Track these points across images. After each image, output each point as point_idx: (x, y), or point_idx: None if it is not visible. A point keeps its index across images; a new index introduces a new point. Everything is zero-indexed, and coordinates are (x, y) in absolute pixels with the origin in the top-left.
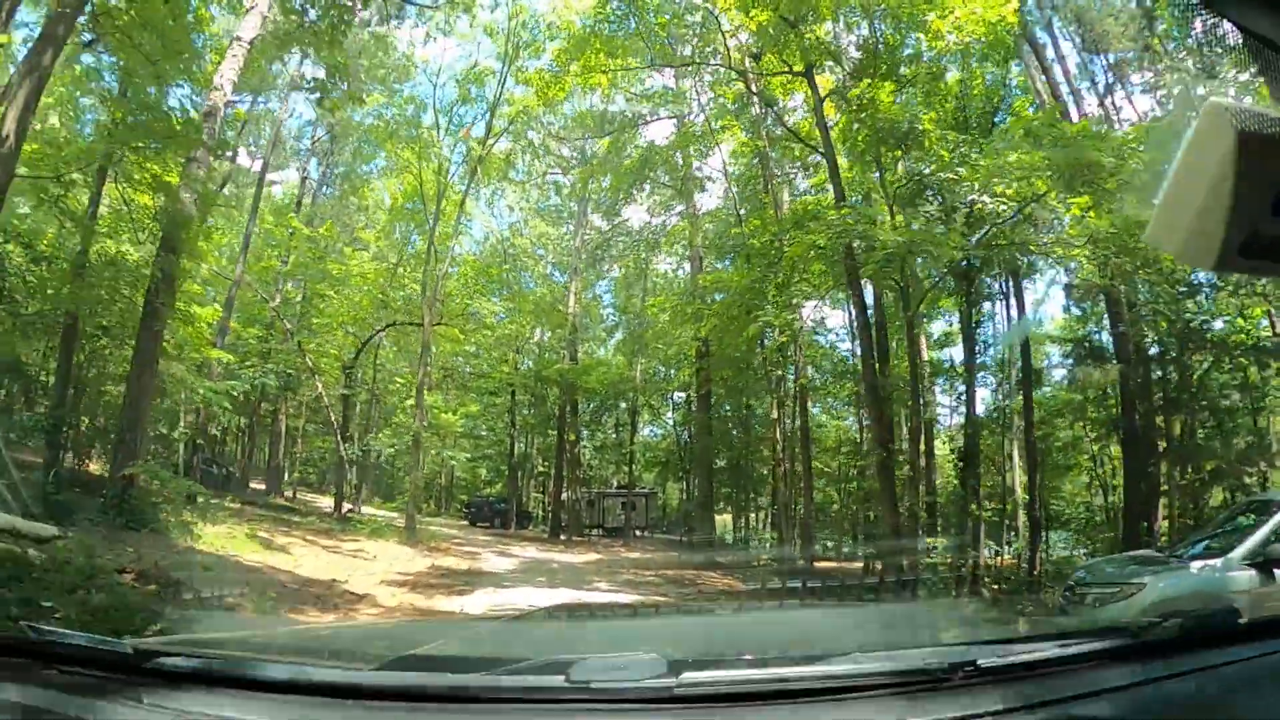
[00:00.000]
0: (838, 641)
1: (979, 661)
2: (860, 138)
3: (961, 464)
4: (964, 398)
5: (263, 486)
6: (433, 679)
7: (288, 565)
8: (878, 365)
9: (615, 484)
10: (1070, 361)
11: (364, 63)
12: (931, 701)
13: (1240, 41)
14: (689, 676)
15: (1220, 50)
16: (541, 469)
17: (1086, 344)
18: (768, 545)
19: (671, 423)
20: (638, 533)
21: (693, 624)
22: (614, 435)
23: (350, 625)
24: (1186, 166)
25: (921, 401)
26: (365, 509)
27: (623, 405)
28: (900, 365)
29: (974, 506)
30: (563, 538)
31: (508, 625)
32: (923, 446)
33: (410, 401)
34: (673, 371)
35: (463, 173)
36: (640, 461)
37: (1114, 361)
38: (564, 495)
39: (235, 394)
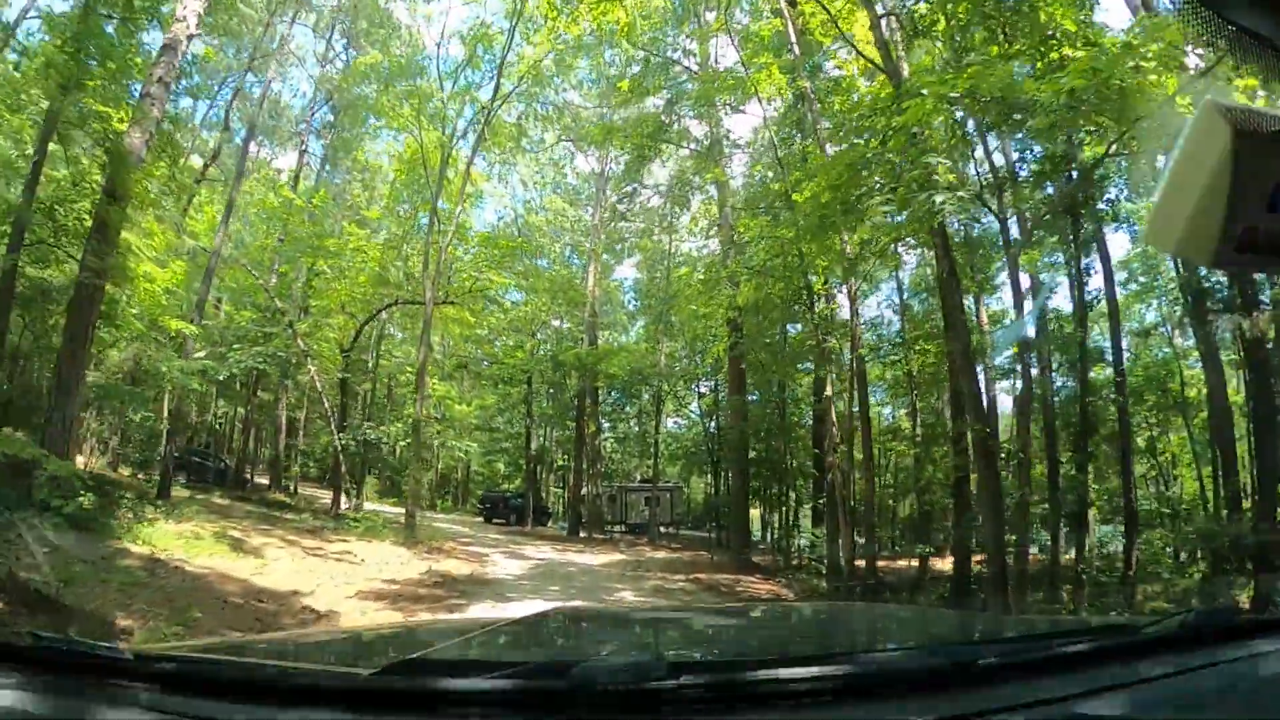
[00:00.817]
0: (838, 642)
1: (980, 661)
2: (959, 10)
3: (1072, 445)
4: (1076, 365)
5: (267, 481)
6: (432, 683)
7: (248, 572)
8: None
9: (638, 478)
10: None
11: (363, 24)
12: (932, 702)
13: (1238, 41)
14: (691, 678)
15: (1218, 49)
16: (561, 462)
17: (1217, 295)
18: (810, 543)
19: (698, 411)
20: (662, 529)
21: (693, 625)
22: (636, 427)
23: (352, 629)
24: (1183, 164)
25: (1042, 368)
26: (372, 505)
27: (646, 397)
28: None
29: (1098, 498)
30: (582, 535)
31: (507, 628)
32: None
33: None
34: (698, 358)
35: (470, 138)
36: (664, 454)
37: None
38: (584, 490)
39: (218, 377)
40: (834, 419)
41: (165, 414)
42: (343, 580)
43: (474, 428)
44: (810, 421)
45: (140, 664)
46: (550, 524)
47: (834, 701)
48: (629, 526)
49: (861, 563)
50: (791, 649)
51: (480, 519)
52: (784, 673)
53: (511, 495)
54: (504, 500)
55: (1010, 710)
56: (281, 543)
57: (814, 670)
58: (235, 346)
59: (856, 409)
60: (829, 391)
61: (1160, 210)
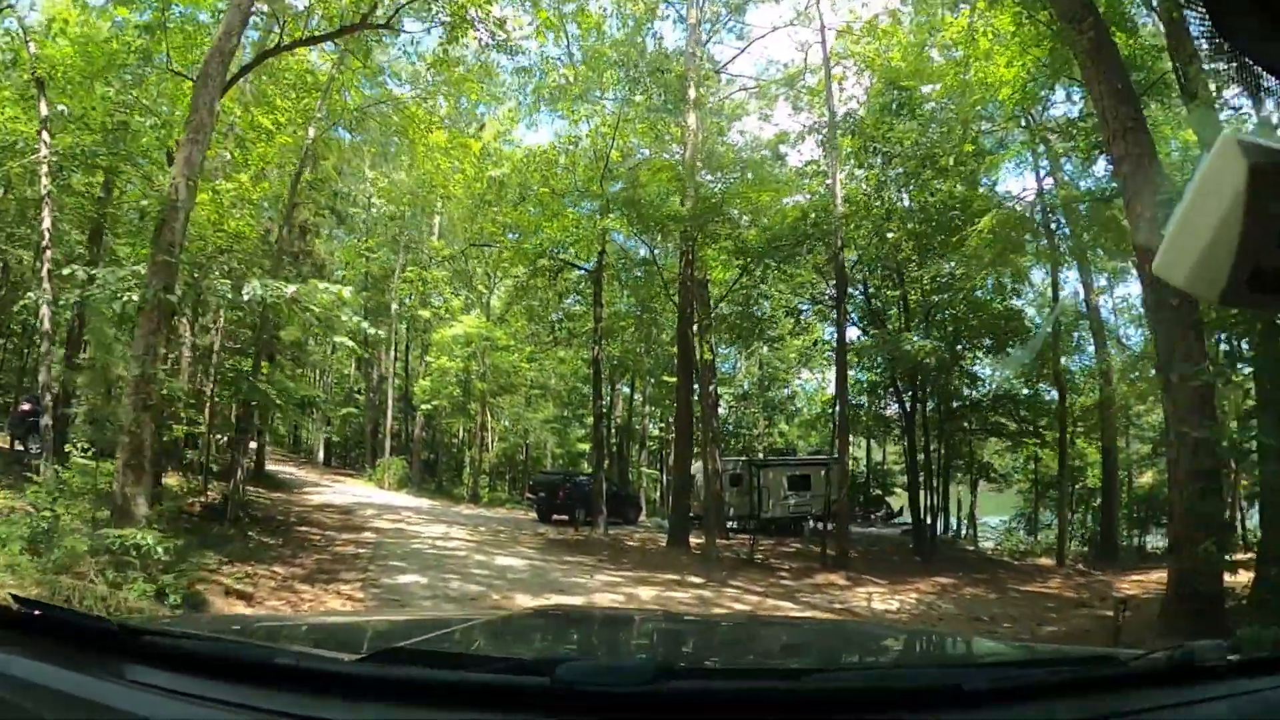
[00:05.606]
0: (828, 657)
1: (963, 685)
2: None
3: None
4: None
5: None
6: (416, 673)
7: None
8: None
9: (761, 450)
10: None
11: None
12: None
13: (1261, 76)
14: (675, 684)
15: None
16: (658, 432)
17: None
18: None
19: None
20: (816, 524)
21: (682, 631)
22: (756, 381)
23: (337, 616)
24: (1198, 198)
25: None
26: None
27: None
28: None
29: None
30: (695, 542)
31: (495, 624)
32: None
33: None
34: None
35: None
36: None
37: None
38: (694, 468)
39: None
40: None
41: None
42: None
43: (529, 389)
44: None
45: (126, 635)
46: (644, 520)
47: (815, 717)
48: (762, 523)
49: None
50: (780, 662)
51: (534, 516)
52: (770, 685)
53: (582, 478)
54: (567, 485)
55: None
56: None
57: (800, 684)
58: None
59: None
60: None
61: (1173, 242)
